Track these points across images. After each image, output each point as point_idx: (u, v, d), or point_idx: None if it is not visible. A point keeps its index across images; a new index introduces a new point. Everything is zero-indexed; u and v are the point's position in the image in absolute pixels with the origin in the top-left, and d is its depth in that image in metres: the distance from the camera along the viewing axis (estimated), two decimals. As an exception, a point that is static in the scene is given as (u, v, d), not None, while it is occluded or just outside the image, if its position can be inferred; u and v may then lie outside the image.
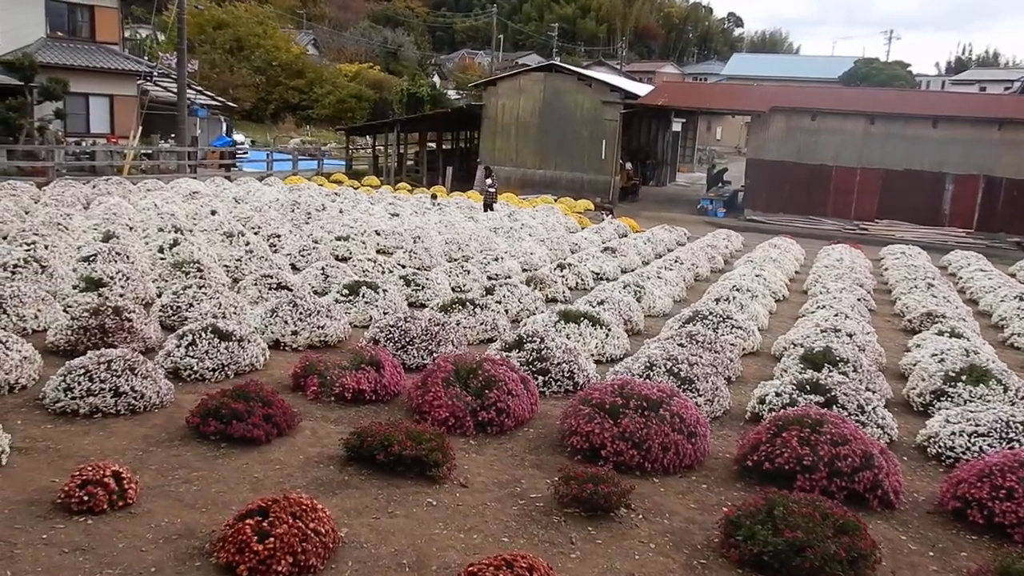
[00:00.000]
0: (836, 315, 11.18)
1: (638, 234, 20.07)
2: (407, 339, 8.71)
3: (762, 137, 29.02)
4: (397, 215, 19.58)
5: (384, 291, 10.71)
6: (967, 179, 26.86)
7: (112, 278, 10.22)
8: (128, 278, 10.37)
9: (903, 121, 27.50)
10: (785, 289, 14.27)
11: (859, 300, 12.89)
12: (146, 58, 35.87)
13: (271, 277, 11.05)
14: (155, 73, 28.83)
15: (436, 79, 70.29)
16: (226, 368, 7.95)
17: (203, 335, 8.02)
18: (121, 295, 10.12)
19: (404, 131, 34.11)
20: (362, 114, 56.61)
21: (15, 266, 10.46)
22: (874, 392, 8.20)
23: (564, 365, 8.26)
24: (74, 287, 10.15)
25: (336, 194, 23.86)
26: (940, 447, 7.10)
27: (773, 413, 7.42)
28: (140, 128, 26.38)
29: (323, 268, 12.22)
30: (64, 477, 5.53)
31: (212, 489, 5.70)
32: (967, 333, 10.88)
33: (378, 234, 16.29)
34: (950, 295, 14.03)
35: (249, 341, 8.25)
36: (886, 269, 18.02)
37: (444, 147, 38.22)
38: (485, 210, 22.99)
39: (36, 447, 6.18)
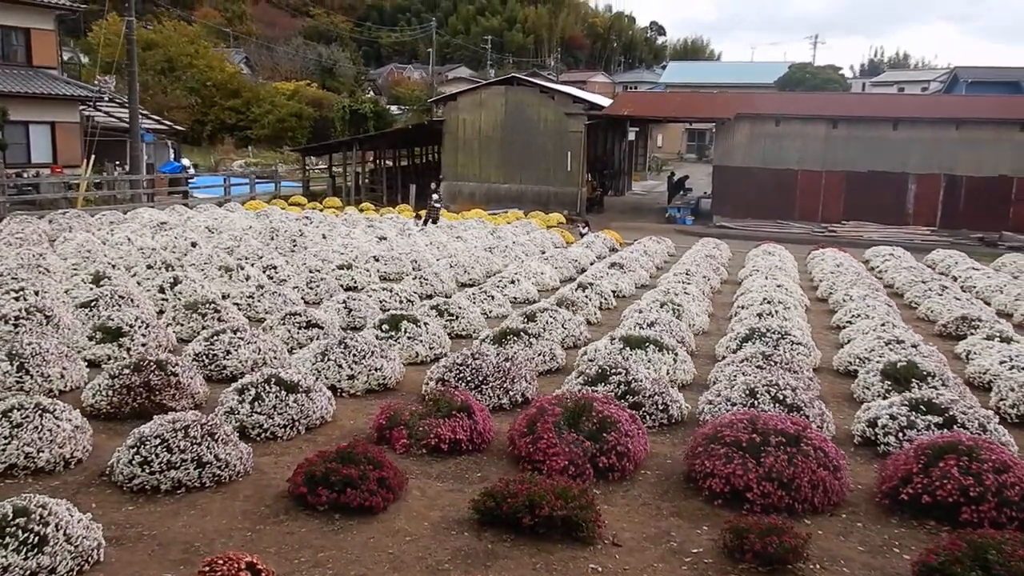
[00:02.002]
0: (883, 324, 10.95)
1: (631, 247, 19.72)
2: (480, 378, 8.10)
3: (728, 144, 29.12)
4: (385, 238, 18.84)
5: (425, 324, 10.06)
6: (929, 178, 27.38)
7: (131, 326, 9.34)
8: (147, 325, 9.50)
9: (864, 124, 27.92)
10: (805, 299, 14.05)
11: (889, 306, 12.74)
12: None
13: (299, 315, 10.29)
14: (106, 97, 27.40)
15: (371, 94, 69.35)
16: (297, 423, 7.23)
17: (267, 388, 7.29)
18: (143, 344, 9.27)
19: (363, 149, 33.25)
20: (303, 133, 55.38)
21: (17, 318, 9.50)
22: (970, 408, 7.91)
23: (656, 397, 7.77)
24: (89, 338, 9.24)
25: (307, 218, 22.96)
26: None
27: (891, 437, 7.12)
28: (93, 157, 24.98)
29: (344, 301, 11.50)
30: (176, 572, 4.81)
31: (351, 572, 5.04)
32: (1015, 336, 10.76)
33: (376, 260, 15.59)
34: (970, 297, 14.02)
35: (316, 391, 7.54)
36: (883, 272, 18.04)
37: (402, 164, 37.43)
38: (424, 223, 22.62)
39: (128, 535, 5.41)
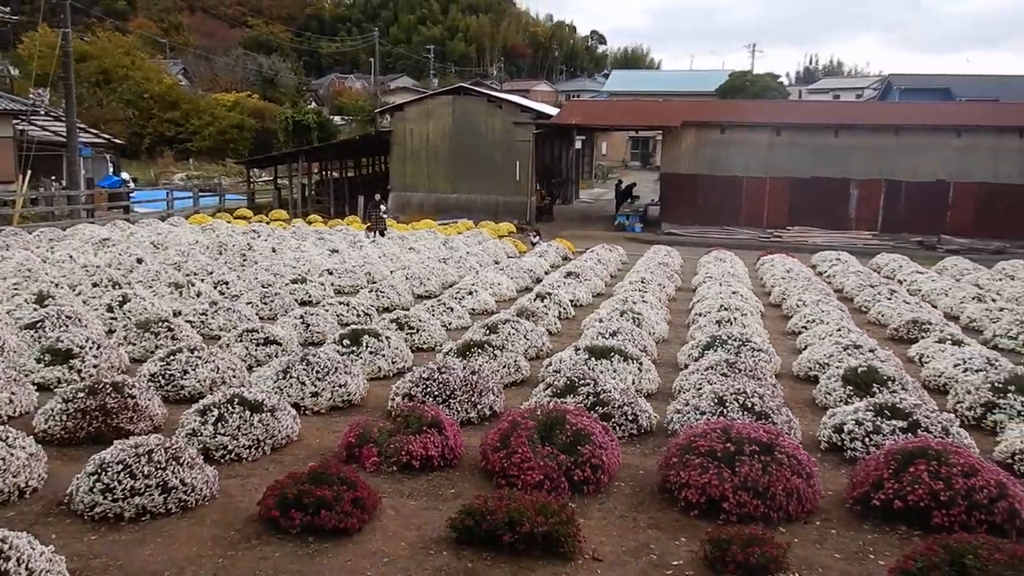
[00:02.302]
0: (839, 330, 11.14)
1: (584, 255, 19.78)
2: (447, 392, 7.99)
3: (675, 151, 29.47)
4: (337, 251, 18.59)
5: (387, 338, 9.91)
6: (870, 183, 28.06)
7: (82, 347, 9.01)
8: (98, 346, 9.18)
9: (807, 131, 28.52)
10: (760, 305, 14.23)
11: (841, 311, 12.97)
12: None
13: (256, 332, 10.06)
14: (42, 111, 26.58)
15: (313, 105, 68.64)
16: (262, 444, 7.05)
17: (231, 408, 7.08)
18: (95, 366, 8.95)
19: (309, 161, 32.84)
20: (245, 145, 54.54)
21: (-41, 341, 9.10)
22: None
23: (626, 408, 7.76)
24: (37, 361, 8.89)
25: (254, 231, 22.56)
26: (1031, 463, 7.00)
27: (857, 443, 7.21)
28: (29, 172, 24.17)
29: (302, 316, 11.29)
30: (148, 604, 4.62)
31: (332, 598, 4.90)
32: (965, 338, 11.04)
33: (330, 273, 15.37)
34: (918, 301, 14.35)
35: (280, 410, 7.35)
36: (831, 277, 18.38)
37: (349, 175, 37.05)
38: (374, 235, 22.42)
39: (92, 566, 5.19)
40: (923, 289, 16.29)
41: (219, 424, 6.98)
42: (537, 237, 24.92)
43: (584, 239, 25.98)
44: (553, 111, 33.20)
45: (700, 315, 12.68)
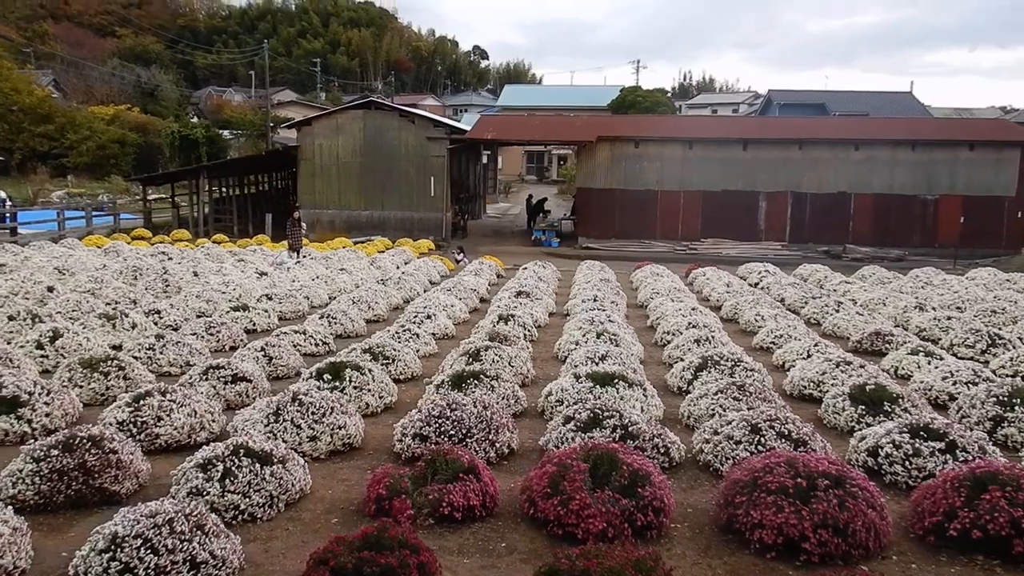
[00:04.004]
0: (816, 345, 11.14)
1: (523, 272, 19.36)
2: (463, 430, 7.39)
3: (590, 166, 29.54)
4: (265, 274, 17.53)
5: (370, 371, 9.20)
6: (777, 196, 28.90)
7: (30, 393, 7.92)
8: (48, 391, 8.10)
9: (716, 145, 29.14)
10: (718, 321, 14.16)
11: (807, 324, 13.03)
12: None
13: (222, 368, 9.14)
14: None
15: (195, 119, 65.90)
16: (276, 501, 6.27)
17: (237, 460, 6.28)
18: (47, 415, 7.88)
19: (211, 177, 31.20)
20: (127, 160, 51.78)
21: None
22: (946, 427, 8.03)
23: (656, 440, 7.36)
24: (-21, 412, 7.75)
25: (163, 253, 21.10)
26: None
27: (897, 466, 7.04)
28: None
29: (263, 348, 10.40)
30: None
31: None
32: (935, 350, 11.20)
33: (269, 299, 14.39)
34: (862, 311, 14.60)
35: (291, 460, 6.59)
36: (767, 288, 18.57)
37: (250, 192, 35.46)
38: (293, 253, 21.44)
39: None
40: (859, 299, 16.65)
41: (226, 480, 6.17)
42: (461, 254, 24.37)
43: (505, 255, 25.62)
44: (461, 126, 32.74)
45: (669, 333, 12.47)
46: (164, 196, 36.83)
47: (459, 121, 45.91)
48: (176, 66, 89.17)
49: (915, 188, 28.45)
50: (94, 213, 29.63)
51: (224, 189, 34.06)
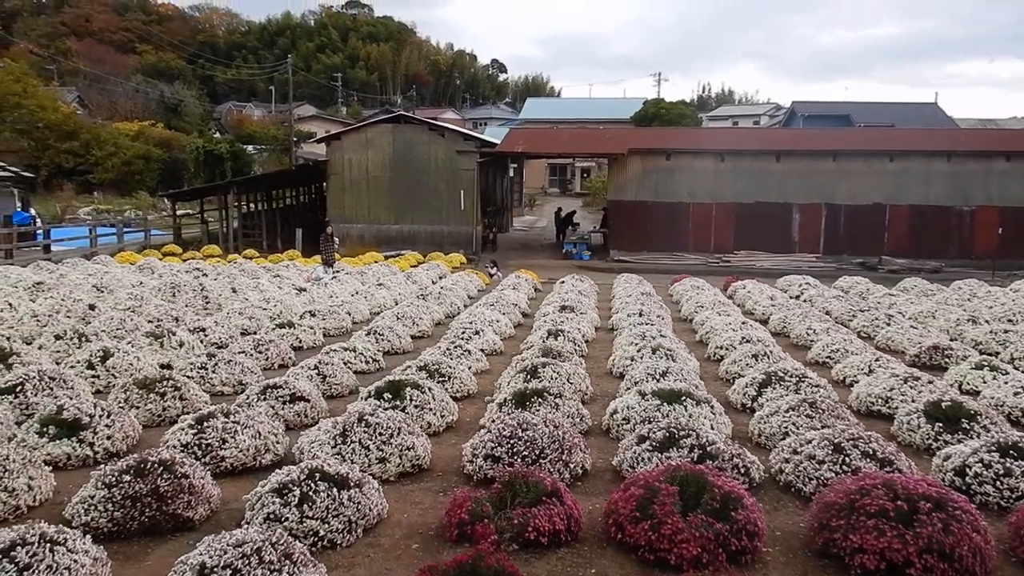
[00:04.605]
0: (877, 359, 10.88)
1: (562, 286, 19.17)
2: (536, 451, 7.19)
3: (621, 178, 29.36)
4: (303, 290, 17.44)
5: (430, 389, 9.03)
6: (810, 208, 28.59)
7: (91, 416, 7.80)
8: (108, 413, 7.98)
9: (749, 157, 28.89)
10: (768, 335, 13.89)
11: (860, 338, 12.76)
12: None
13: (280, 387, 8.99)
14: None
15: (217, 134, 66.31)
16: (355, 526, 6.09)
17: (313, 485, 6.11)
18: (108, 438, 7.75)
19: (240, 192, 31.25)
20: (152, 176, 52.03)
21: (-61, 413, 7.75)
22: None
23: (736, 460, 7.13)
24: (39, 434, 7.62)
25: (198, 269, 21.06)
26: None
27: (988, 487, 6.78)
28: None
29: (316, 366, 10.25)
30: None
31: None
32: (1000, 364, 10.90)
33: (312, 315, 14.25)
34: (914, 324, 14.31)
35: (367, 484, 6.42)
36: (811, 301, 18.27)
37: (278, 207, 35.51)
38: (328, 268, 21.40)
39: None
40: (907, 312, 16.33)
41: (304, 505, 5.99)
42: (495, 268, 24.22)
43: (537, 268, 25.44)
44: (491, 139, 32.65)
45: (722, 348, 12.25)
46: (191, 212, 36.94)
47: (482, 135, 45.89)
48: (198, 82, 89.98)
49: (951, 199, 28.09)
50: (126, 230, 29.68)
51: (252, 204, 34.12)
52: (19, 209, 28.93)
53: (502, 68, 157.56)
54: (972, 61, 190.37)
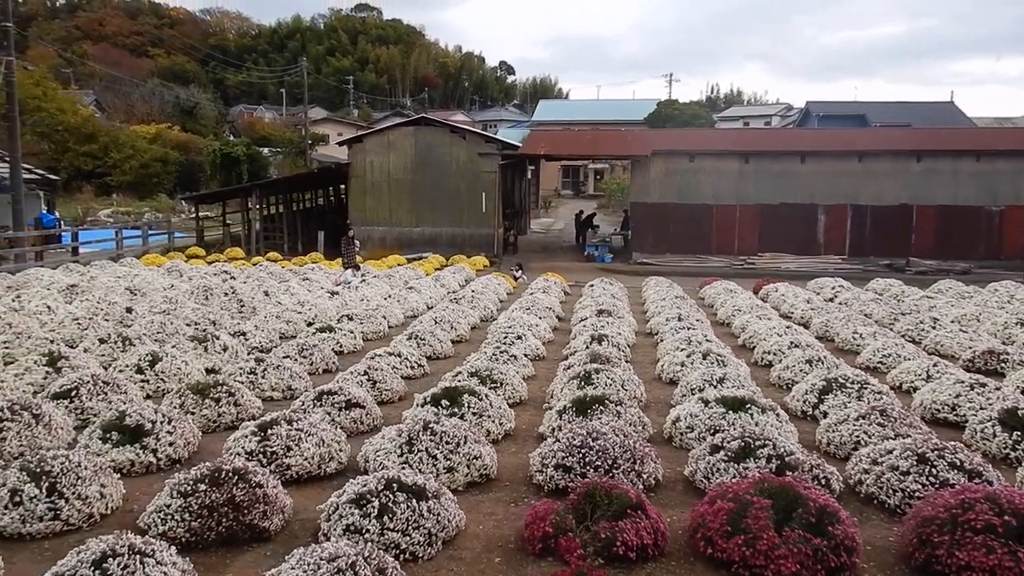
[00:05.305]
0: (935, 365, 10.69)
1: (591, 289, 19.01)
2: (609, 461, 7.03)
3: (644, 180, 29.20)
4: (335, 293, 17.32)
5: (486, 396, 8.88)
6: (836, 209, 28.36)
7: (152, 422, 7.67)
8: (169, 419, 7.85)
9: (773, 158, 28.68)
10: (812, 338, 13.70)
11: (908, 342, 12.56)
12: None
13: (335, 394, 8.86)
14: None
15: (230, 136, 66.38)
16: (435, 538, 5.95)
17: (391, 495, 5.96)
18: (171, 444, 7.63)
19: (263, 195, 31.19)
20: (169, 178, 52.15)
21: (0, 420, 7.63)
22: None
23: (816, 471, 6.96)
24: (102, 440, 7.50)
25: (226, 272, 20.96)
26: None
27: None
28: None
29: (366, 372, 10.12)
30: None
31: None
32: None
33: (350, 319, 14.13)
34: (963, 328, 14.09)
35: (444, 495, 6.27)
36: (848, 304, 18.06)
37: (298, 209, 35.44)
38: (356, 271, 21.27)
39: None
40: (948, 315, 16.09)
41: (384, 517, 5.85)
42: (520, 271, 24.07)
43: (560, 271, 25.28)
44: (512, 142, 32.51)
45: (770, 353, 12.08)
46: (210, 214, 36.92)
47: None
48: (212, 85, 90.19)
49: (979, 199, 27.83)
50: (151, 232, 29.65)
51: (272, 207, 34.06)
52: (44, 211, 28.91)
53: (510, 70, 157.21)
54: (978, 59, 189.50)
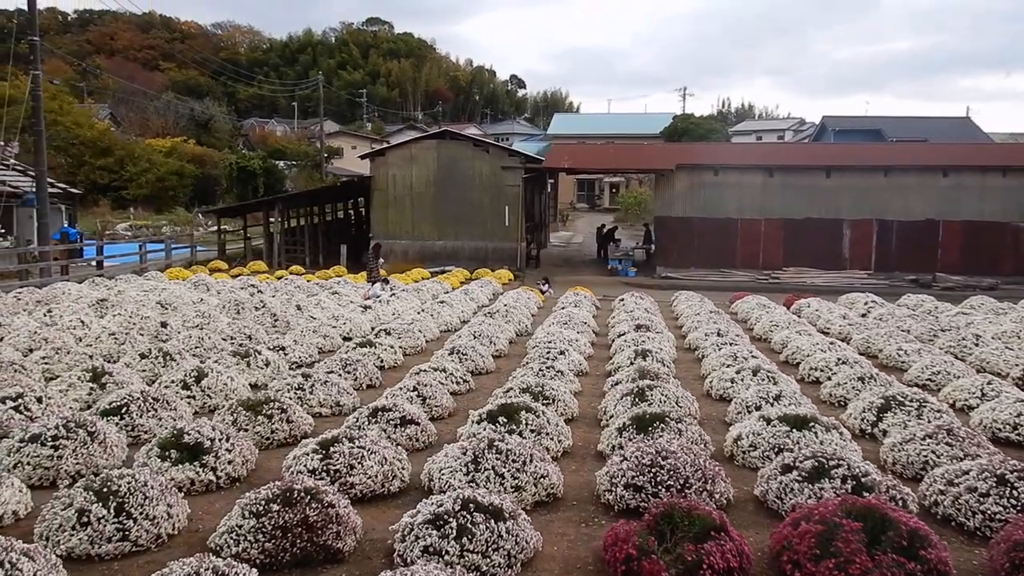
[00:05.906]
0: (989, 383, 10.52)
1: (616, 303, 18.89)
2: (681, 481, 6.90)
3: (667, 194, 29.11)
4: (367, 307, 17.23)
5: (543, 413, 8.75)
6: (862, 223, 28.19)
7: (211, 439, 7.57)
8: (227, 437, 7.75)
9: (799, 172, 28.56)
10: (855, 354, 13.53)
11: (956, 359, 12.39)
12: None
13: (389, 410, 8.74)
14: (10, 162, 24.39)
15: (244, 150, 66.60)
16: (514, 561, 5.82)
17: (468, 515, 5.84)
18: (229, 462, 7.52)
19: (285, 208, 31.20)
20: (185, 192, 52.27)
21: (55, 437, 7.54)
22: None
23: (892, 491, 6.80)
24: (160, 458, 7.40)
25: (253, 286, 20.89)
26: None
27: None
28: (-2, 226, 22.02)
29: (415, 388, 10.00)
30: None
31: None
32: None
33: (387, 334, 14.03)
34: (1007, 344, 13.92)
35: (520, 515, 6.15)
36: (884, 320, 17.87)
37: (318, 222, 35.42)
38: (385, 285, 21.16)
39: None
40: (987, 331, 15.90)
41: (463, 538, 5.72)
42: (547, 285, 23.96)
43: (585, 285, 25.14)
44: (535, 155, 32.48)
45: (817, 370, 11.92)
46: (229, 228, 36.96)
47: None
48: (225, 98, 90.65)
49: (1005, 215, 27.63)
50: (175, 246, 29.69)
51: (294, 220, 34.07)
52: (66, 225, 28.97)
53: (521, 83, 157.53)
54: (987, 75, 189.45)
